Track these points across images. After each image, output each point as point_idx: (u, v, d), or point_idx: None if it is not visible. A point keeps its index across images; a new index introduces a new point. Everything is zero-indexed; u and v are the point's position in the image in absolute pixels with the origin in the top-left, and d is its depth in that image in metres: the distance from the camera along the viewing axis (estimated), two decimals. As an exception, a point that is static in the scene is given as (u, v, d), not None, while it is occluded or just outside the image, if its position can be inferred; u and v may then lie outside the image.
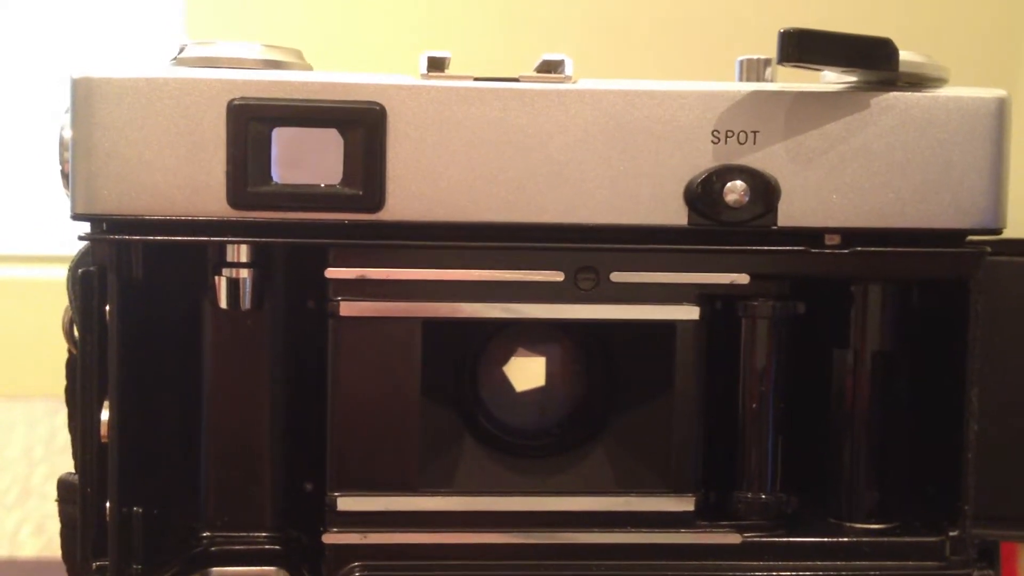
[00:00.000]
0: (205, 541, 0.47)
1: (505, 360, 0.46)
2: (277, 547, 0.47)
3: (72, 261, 0.44)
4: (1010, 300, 0.44)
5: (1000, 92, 0.44)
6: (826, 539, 0.45)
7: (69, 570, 0.46)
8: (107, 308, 0.42)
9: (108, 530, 0.43)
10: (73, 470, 0.45)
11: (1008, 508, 0.45)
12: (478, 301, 0.43)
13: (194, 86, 0.41)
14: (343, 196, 0.42)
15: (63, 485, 0.47)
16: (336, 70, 0.43)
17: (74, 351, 0.45)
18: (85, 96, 0.41)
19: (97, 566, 0.44)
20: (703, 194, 0.43)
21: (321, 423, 0.44)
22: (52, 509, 0.48)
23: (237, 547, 0.47)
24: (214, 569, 0.46)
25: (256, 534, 0.47)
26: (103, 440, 0.43)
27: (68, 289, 0.44)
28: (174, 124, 0.41)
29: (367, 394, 0.44)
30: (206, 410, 0.46)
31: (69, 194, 0.42)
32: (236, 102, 0.41)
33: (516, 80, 0.43)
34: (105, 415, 0.43)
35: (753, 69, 0.45)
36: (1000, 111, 0.43)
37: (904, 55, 0.43)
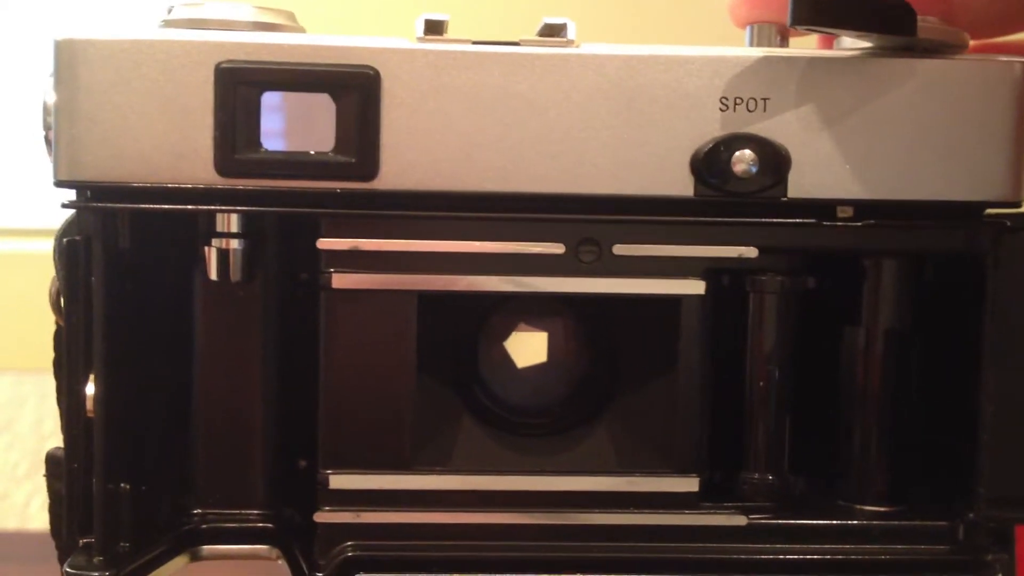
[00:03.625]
0: (195, 518, 0.45)
1: (505, 335, 0.45)
2: (269, 525, 0.46)
3: (59, 230, 0.43)
4: (1028, 275, 0.42)
5: (1021, 59, 0.42)
6: (834, 522, 0.44)
7: (57, 546, 0.46)
8: (92, 279, 0.41)
9: (94, 507, 0.42)
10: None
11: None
12: (475, 274, 0.42)
13: (181, 48, 0.40)
14: (335, 164, 0.40)
15: (51, 460, 0.46)
16: (330, 33, 0.41)
17: (61, 323, 0.44)
18: (68, 59, 0.40)
19: (84, 543, 0.43)
20: (710, 164, 0.41)
21: (315, 398, 0.43)
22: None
23: (228, 525, 0.45)
24: (204, 547, 0.45)
25: (248, 511, 0.46)
26: (89, 414, 0.42)
27: (54, 259, 0.43)
28: (160, 88, 0.40)
29: (360, 369, 0.42)
30: (196, 384, 0.45)
31: (52, 160, 0.41)
32: (224, 65, 0.40)
33: (516, 44, 0.41)
34: (91, 389, 0.42)
35: (765, 34, 0.44)
36: (1022, 79, 0.42)
37: (922, 20, 0.41)
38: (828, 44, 0.44)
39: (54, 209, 0.42)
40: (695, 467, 0.43)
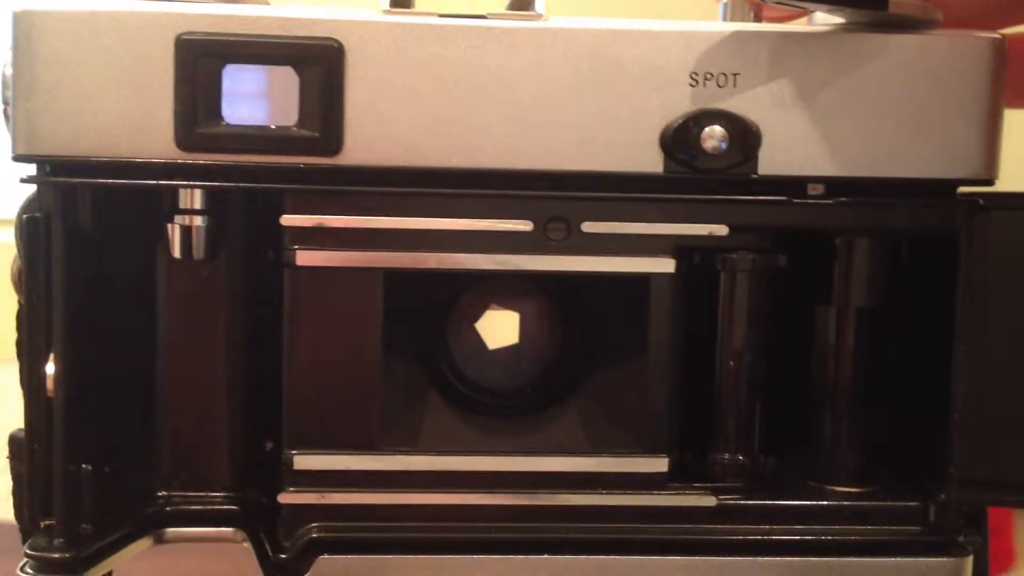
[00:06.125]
0: (160, 500, 0.45)
1: (474, 315, 0.44)
2: (235, 507, 0.45)
3: (20, 206, 0.42)
4: (1000, 255, 0.41)
5: (995, 35, 0.41)
6: (805, 502, 0.43)
7: (20, 528, 0.45)
8: (52, 255, 0.40)
9: (54, 488, 0.41)
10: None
11: (997, 472, 0.43)
12: (442, 251, 0.41)
13: (140, 19, 0.39)
14: (299, 139, 0.40)
15: (14, 441, 0.45)
16: (295, 4, 0.40)
17: (23, 301, 0.43)
18: (26, 30, 0.39)
19: (45, 525, 0.42)
20: (680, 140, 0.41)
21: (281, 378, 0.42)
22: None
23: (193, 507, 0.45)
24: (169, 530, 0.45)
25: (213, 494, 0.45)
26: (49, 394, 0.41)
27: (15, 236, 0.42)
28: (119, 60, 0.39)
29: (326, 348, 0.42)
30: (161, 364, 0.44)
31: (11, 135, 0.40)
32: (185, 37, 0.39)
33: (483, 17, 0.40)
34: (51, 368, 0.41)
35: (738, 10, 0.43)
36: (995, 55, 0.41)
37: (896, -5, 0.40)
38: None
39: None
40: (665, 447, 0.43)
